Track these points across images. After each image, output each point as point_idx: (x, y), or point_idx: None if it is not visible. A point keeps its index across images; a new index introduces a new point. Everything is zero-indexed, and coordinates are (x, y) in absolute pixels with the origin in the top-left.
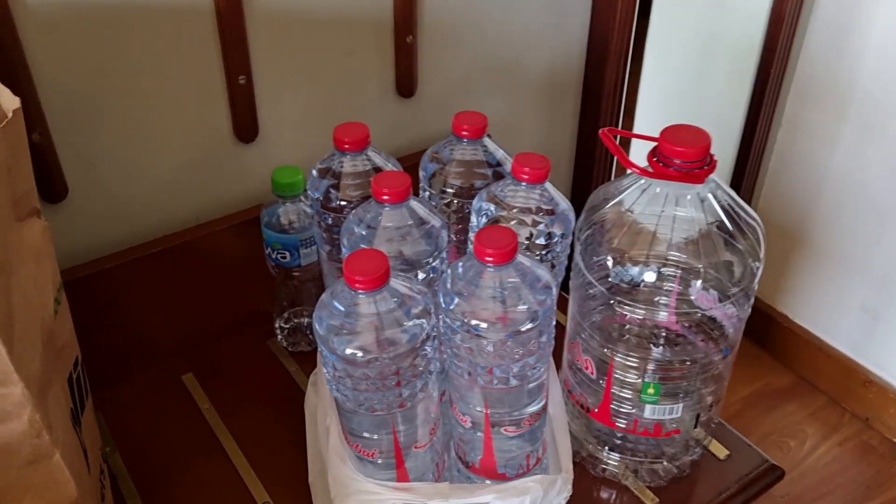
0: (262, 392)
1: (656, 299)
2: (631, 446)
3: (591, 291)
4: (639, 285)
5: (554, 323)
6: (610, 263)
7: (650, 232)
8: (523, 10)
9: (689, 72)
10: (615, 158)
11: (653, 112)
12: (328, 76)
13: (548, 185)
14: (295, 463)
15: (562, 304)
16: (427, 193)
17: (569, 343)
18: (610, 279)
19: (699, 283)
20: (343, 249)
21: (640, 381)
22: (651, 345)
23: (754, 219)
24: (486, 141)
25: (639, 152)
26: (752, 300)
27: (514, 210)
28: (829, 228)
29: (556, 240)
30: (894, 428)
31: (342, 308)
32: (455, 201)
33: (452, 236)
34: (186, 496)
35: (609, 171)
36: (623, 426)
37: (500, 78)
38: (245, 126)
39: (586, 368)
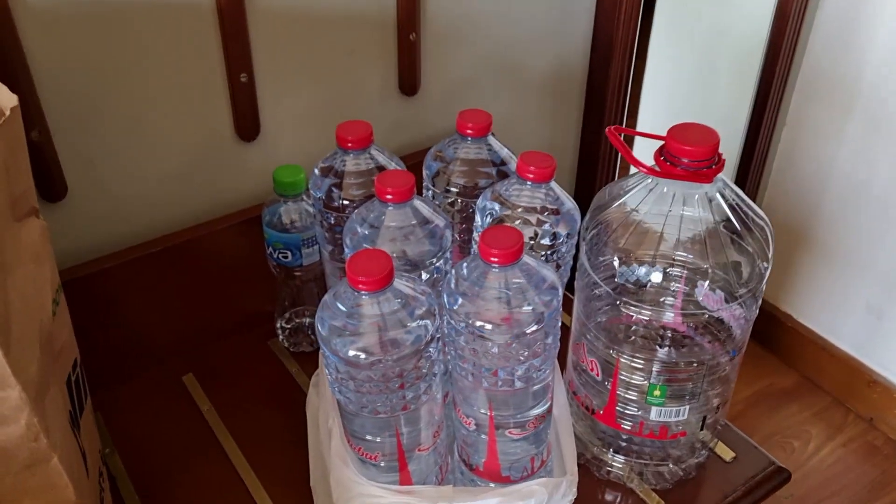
0: (263, 393)
1: (662, 300)
2: (636, 448)
3: (596, 292)
4: (645, 286)
5: (560, 324)
6: (616, 263)
7: (657, 232)
8: (527, 7)
9: (693, 70)
10: (619, 158)
11: (656, 110)
12: (331, 74)
13: (553, 184)
14: (296, 465)
15: (566, 305)
16: (430, 193)
17: (573, 344)
18: (616, 279)
19: (706, 283)
20: (345, 249)
21: (645, 382)
22: (657, 346)
23: (762, 218)
24: (491, 139)
25: (643, 151)
26: (760, 301)
27: (519, 209)
28: (834, 227)
29: (561, 240)
30: None
31: (345, 309)
32: (459, 200)
33: (456, 236)
34: (186, 498)
35: (613, 171)
36: (628, 428)
37: (504, 76)
38: (246, 124)
39: (591, 370)
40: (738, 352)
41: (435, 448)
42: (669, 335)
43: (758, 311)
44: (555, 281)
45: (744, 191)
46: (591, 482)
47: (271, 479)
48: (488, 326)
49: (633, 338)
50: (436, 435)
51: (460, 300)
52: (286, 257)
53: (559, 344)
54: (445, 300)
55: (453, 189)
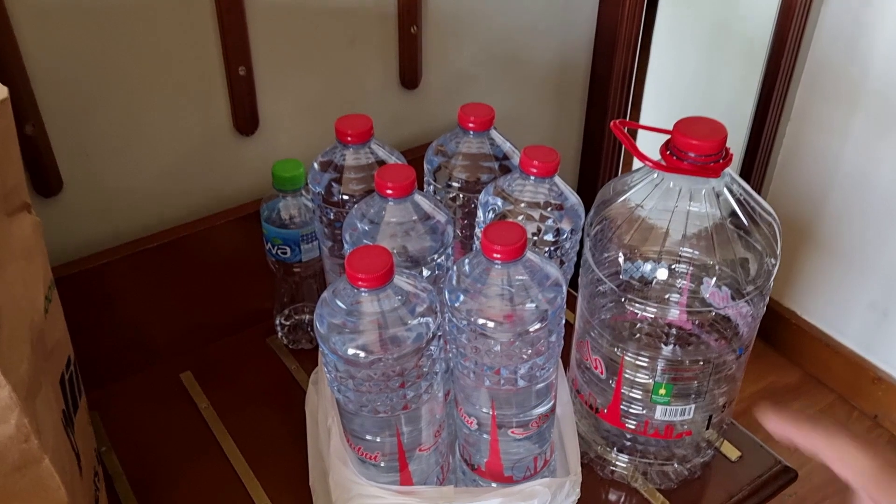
0: (262, 391)
1: (668, 297)
2: (641, 448)
3: (600, 288)
4: (650, 282)
5: (563, 322)
6: (621, 260)
7: (662, 228)
8: (530, 0)
9: (697, 64)
10: (623, 153)
11: (660, 105)
12: (330, 67)
13: (557, 179)
14: (295, 464)
15: (570, 302)
16: (432, 188)
17: (577, 342)
18: (620, 276)
19: (713, 280)
20: (345, 245)
21: (650, 381)
22: (662, 344)
23: (770, 213)
24: (493, 133)
25: (646, 146)
26: (767, 299)
27: (522, 205)
28: (839, 223)
29: (564, 236)
30: None
31: (344, 306)
32: (461, 196)
33: (458, 232)
34: (184, 497)
35: (617, 166)
36: (633, 427)
37: (506, 70)
38: (245, 118)
39: (595, 368)
40: (745, 350)
41: (436, 448)
42: (675, 333)
43: (765, 308)
44: (558, 278)
45: None
46: (595, 482)
47: (270, 479)
48: (491, 324)
49: (638, 335)
50: (437, 434)
51: (462, 297)
52: (285, 253)
53: (563, 342)
54: (447, 297)
55: (455, 184)
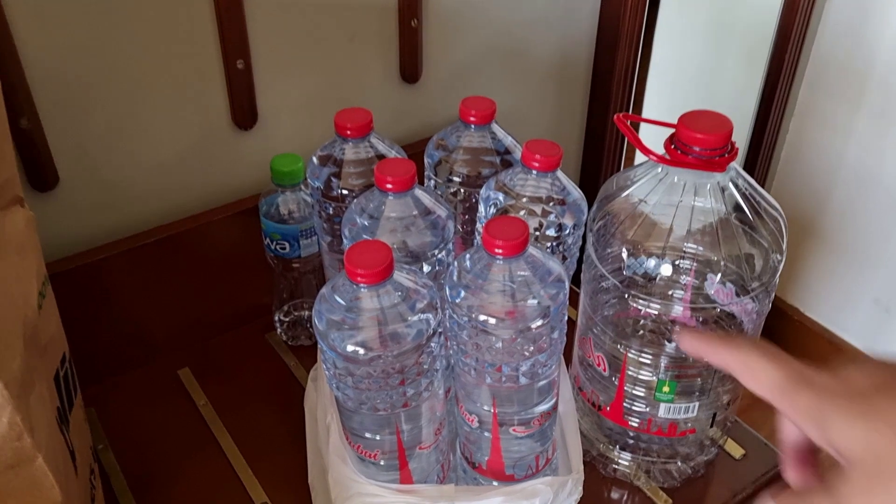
0: (261, 388)
1: (671, 293)
2: (644, 446)
3: (603, 284)
4: (654, 278)
5: (566, 318)
6: (624, 255)
7: (666, 223)
8: None
9: (700, 59)
10: (626, 148)
11: (662, 101)
12: (330, 61)
13: (559, 173)
14: (294, 462)
15: (572, 299)
16: (432, 182)
17: (580, 338)
18: (623, 272)
19: (717, 276)
20: (344, 240)
21: (654, 378)
22: (666, 341)
23: (776, 209)
24: (495, 127)
25: (649, 142)
26: (773, 295)
27: (524, 199)
28: (843, 220)
29: (567, 231)
30: None
31: (343, 302)
32: (462, 190)
33: (459, 227)
34: (181, 495)
35: (619, 161)
36: (636, 425)
37: (508, 64)
38: (243, 112)
39: (598, 365)
40: None
41: (436, 446)
42: (678, 330)
43: (770, 305)
44: (561, 273)
45: None
46: (597, 480)
47: (268, 476)
48: (492, 321)
49: (642, 332)
50: (437, 432)
51: (463, 293)
52: (284, 249)
53: (565, 338)
54: (448, 293)
55: (456, 178)
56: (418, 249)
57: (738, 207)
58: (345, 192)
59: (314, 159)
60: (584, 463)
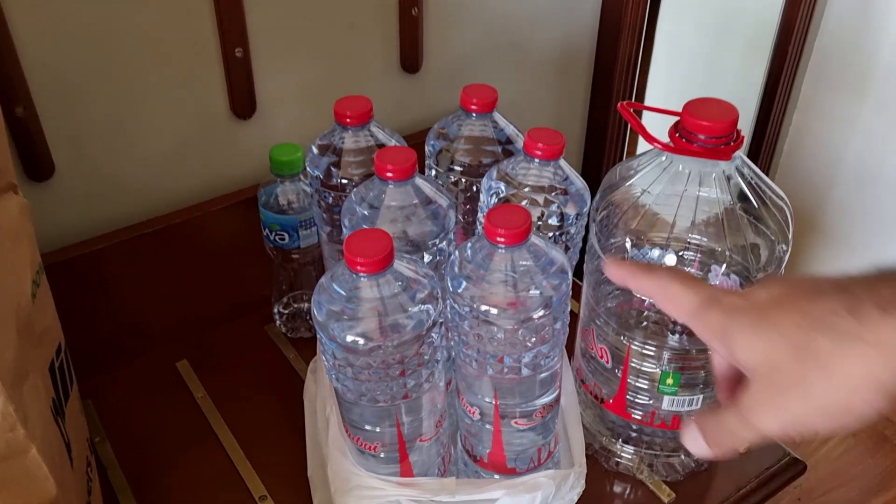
0: (260, 380)
1: None
2: (647, 439)
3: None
4: None
5: (569, 309)
6: (627, 246)
7: (670, 213)
8: None
9: (703, 50)
10: (628, 138)
11: (664, 93)
12: (330, 50)
13: (562, 162)
14: (293, 455)
15: (574, 291)
16: (433, 172)
17: (582, 330)
18: None
19: (721, 268)
20: (344, 230)
21: (657, 370)
22: (669, 332)
23: (782, 198)
24: (496, 116)
25: (652, 132)
26: None
27: (526, 189)
28: (845, 214)
29: (569, 220)
30: None
31: (343, 292)
32: (463, 180)
33: (460, 217)
34: (179, 488)
35: (622, 151)
36: (639, 418)
37: (510, 53)
38: (242, 101)
39: (601, 357)
40: None
41: (437, 438)
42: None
43: None
44: (564, 263)
45: None
46: (600, 474)
47: (267, 469)
48: (494, 311)
49: (645, 323)
50: (438, 424)
51: (464, 283)
52: (283, 239)
53: (568, 330)
54: (449, 283)
55: (457, 168)
56: (419, 239)
57: (742, 197)
58: (344, 181)
59: (314, 148)
60: (587, 456)
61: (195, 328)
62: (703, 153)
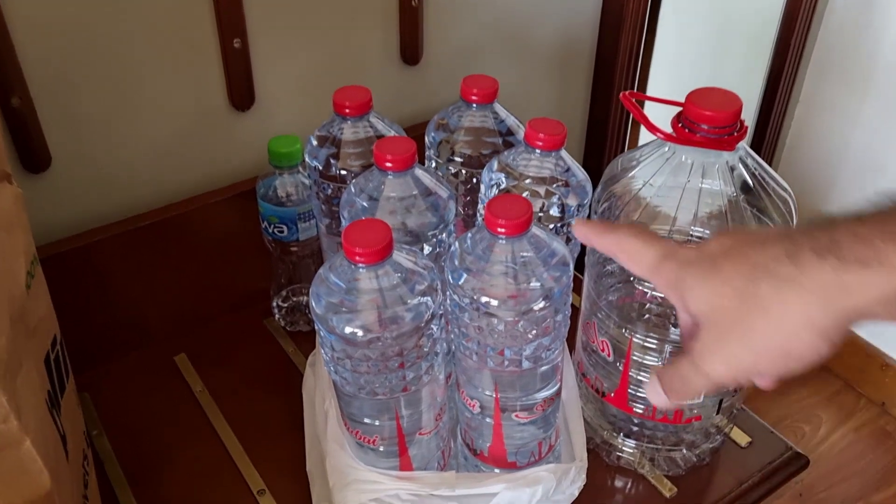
0: (259, 374)
1: None
2: (648, 433)
3: (608, 268)
4: None
5: (570, 301)
6: None
7: (673, 205)
8: None
9: (704, 44)
10: (630, 130)
11: (666, 84)
12: (329, 41)
13: (563, 153)
14: (292, 449)
15: (575, 284)
16: (433, 163)
17: (583, 323)
18: None
19: None
20: (343, 222)
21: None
22: (672, 325)
23: (786, 189)
24: (497, 107)
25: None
26: None
27: (527, 180)
28: (847, 206)
29: (571, 212)
30: None
31: (341, 284)
32: (463, 171)
33: (460, 209)
34: (177, 482)
35: (623, 143)
36: (640, 412)
37: (510, 45)
38: (240, 93)
39: (602, 350)
40: None
41: (437, 432)
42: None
43: None
44: (565, 255)
45: None
46: (601, 468)
47: (266, 463)
48: (494, 303)
49: (647, 316)
50: (438, 418)
51: (465, 275)
52: (282, 232)
53: (569, 322)
54: (449, 275)
55: (457, 159)
56: (419, 230)
57: (746, 188)
58: (343, 172)
59: (312, 139)
60: (588, 450)
61: (193, 321)
62: (707, 143)
